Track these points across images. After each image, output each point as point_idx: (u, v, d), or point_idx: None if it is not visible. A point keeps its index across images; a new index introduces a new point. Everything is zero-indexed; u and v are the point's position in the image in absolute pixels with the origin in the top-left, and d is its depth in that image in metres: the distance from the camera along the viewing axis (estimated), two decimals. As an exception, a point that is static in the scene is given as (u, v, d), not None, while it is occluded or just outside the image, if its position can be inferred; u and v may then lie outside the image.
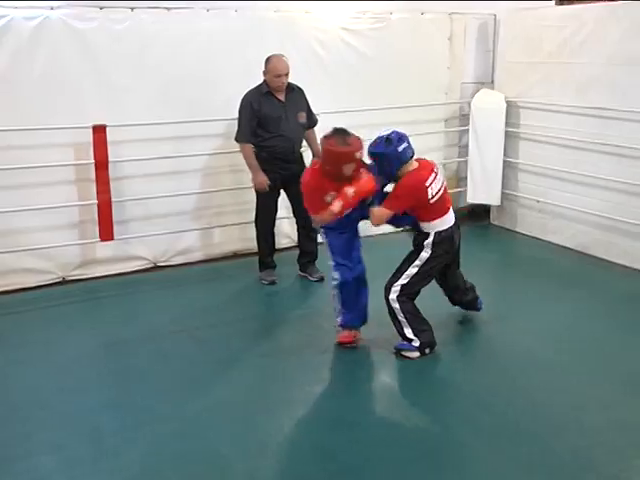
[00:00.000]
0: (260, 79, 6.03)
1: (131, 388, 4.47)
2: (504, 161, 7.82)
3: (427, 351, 4.85)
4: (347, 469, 3.60)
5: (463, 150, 8.14)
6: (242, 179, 6.51)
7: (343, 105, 6.96)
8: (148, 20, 6.18)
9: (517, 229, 7.88)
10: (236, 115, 6.10)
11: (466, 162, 8.00)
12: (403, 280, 4.82)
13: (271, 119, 5.98)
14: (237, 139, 6.07)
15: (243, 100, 6.01)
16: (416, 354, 4.83)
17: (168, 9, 6.23)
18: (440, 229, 4.81)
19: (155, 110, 6.31)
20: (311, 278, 6.38)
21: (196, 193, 6.70)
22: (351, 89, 7.17)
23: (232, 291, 6.17)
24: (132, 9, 6.08)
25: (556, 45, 7.22)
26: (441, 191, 4.77)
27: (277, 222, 6.49)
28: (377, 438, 3.87)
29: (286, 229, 7.08)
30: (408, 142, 4.72)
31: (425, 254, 4.81)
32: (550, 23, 7.29)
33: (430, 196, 4.68)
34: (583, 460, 3.66)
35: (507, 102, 7.72)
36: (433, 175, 4.73)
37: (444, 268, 5.03)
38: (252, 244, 6.59)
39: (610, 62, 6.67)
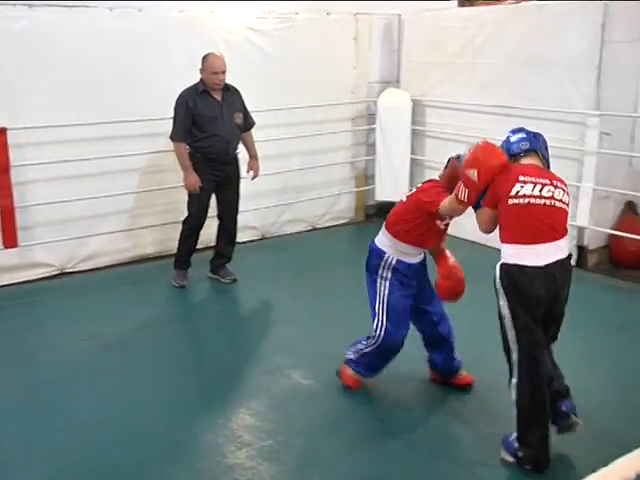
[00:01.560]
0: (179, 80, 5.97)
1: (38, 399, 4.34)
2: (411, 159, 7.95)
3: (527, 467, 3.54)
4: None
5: (371, 148, 8.23)
6: (152, 181, 6.41)
7: (250, 105, 6.93)
8: (48, 19, 5.99)
9: (425, 225, 8.00)
10: (147, 117, 6.12)
11: (374, 160, 8.11)
12: (513, 354, 3.53)
13: (207, 118, 5.84)
14: (171, 137, 5.92)
15: (179, 98, 5.87)
16: (511, 459, 3.60)
17: (69, 7, 6.08)
18: (511, 262, 3.44)
19: (58, 112, 6.11)
20: (223, 280, 6.23)
21: (103, 197, 6.51)
22: (258, 89, 7.11)
23: (142, 296, 6.06)
24: (30, 7, 5.90)
25: (459, 45, 7.39)
26: (538, 201, 3.41)
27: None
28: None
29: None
30: (529, 135, 3.71)
31: (502, 303, 3.49)
32: (452, 24, 7.47)
33: (514, 192, 3.42)
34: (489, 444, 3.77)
35: (412, 101, 7.86)
36: (544, 180, 3.48)
37: None
38: (163, 247, 6.51)
39: (511, 62, 6.88)
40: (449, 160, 4.00)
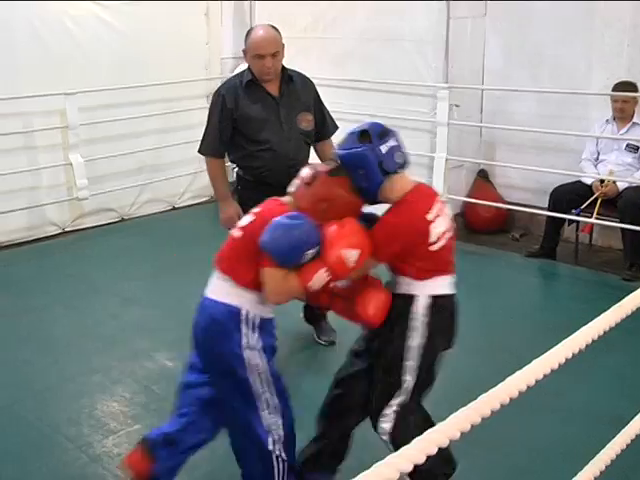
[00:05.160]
0: (25, 70, 5.69)
1: None
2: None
3: None
4: None
5: (227, 125, 8.14)
6: None
7: (99, 83, 6.72)
8: None
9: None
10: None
11: (231, 137, 8.03)
12: (400, 397, 2.78)
13: (255, 123, 4.03)
14: (199, 151, 4.26)
15: (214, 94, 4.22)
16: None
17: None
18: (435, 293, 2.76)
19: None
20: (318, 340, 4.61)
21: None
22: (108, 66, 6.90)
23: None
24: None
25: (311, 20, 7.41)
26: (447, 235, 2.75)
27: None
28: None
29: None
30: (398, 141, 2.73)
31: (415, 334, 2.75)
32: (303, -1, 7.46)
33: (434, 238, 2.69)
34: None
35: (267, 76, 7.83)
36: (437, 206, 2.75)
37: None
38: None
39: (362, 37, 6.97)
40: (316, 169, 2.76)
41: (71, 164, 6.60)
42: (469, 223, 7.06)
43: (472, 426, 1.15)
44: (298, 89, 4.19)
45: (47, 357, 4.52)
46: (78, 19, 6.70)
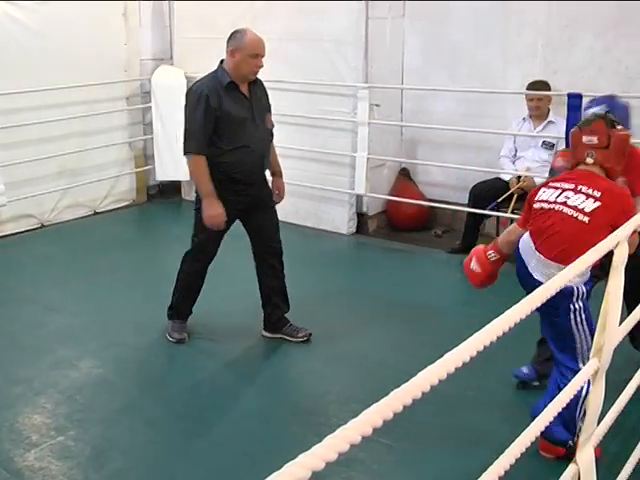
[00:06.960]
0: None
1: None
2: (187, 137, 7.86)
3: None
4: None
5: (148, 128, 8.02)
6: None
7: (14, 85, 6.55)
8: None
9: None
10: None
11: (152, 140, 7.92)
12: None
13: (235, 122, 4.21)
14: (187, 150, 4.24)
15: (193, 94, 4.24)
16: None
17: None
18: None
19: None
20: (295, 339, 4.62)
21: None
22: (23, 68, 6.73)
23: None
24: None
25: (230, 21, 7.35)
26: None
27: None
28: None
29: None
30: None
31: None
32: (222, -1, 7.43)
33: None
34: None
35: (187, 78, 7.71)
36: None
37: None
38: None
39: (282, 37, 6.97)
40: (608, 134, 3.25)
41: (-14, 170, 6.43)
42: (392, 221, 7.15)
43: (384, 421, 1.17)
44: (260, 91, 4.42)
45: (-35, 369, 4.40)
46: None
